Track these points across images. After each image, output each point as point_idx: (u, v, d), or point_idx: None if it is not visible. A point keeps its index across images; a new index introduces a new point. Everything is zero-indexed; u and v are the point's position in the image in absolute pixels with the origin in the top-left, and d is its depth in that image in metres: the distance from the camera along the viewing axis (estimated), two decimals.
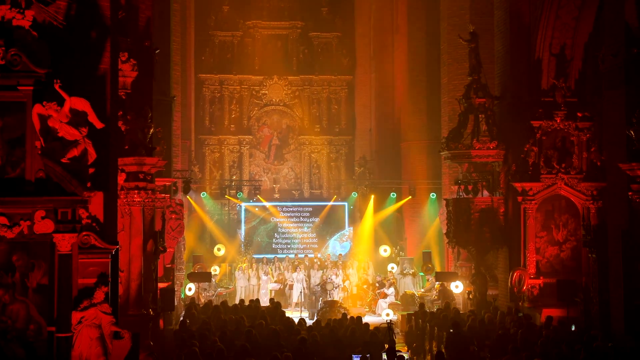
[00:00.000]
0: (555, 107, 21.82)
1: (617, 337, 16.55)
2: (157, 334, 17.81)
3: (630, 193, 16.54)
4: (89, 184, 9.99)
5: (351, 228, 33.20)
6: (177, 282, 25.49)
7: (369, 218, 32.82)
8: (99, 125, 10.26)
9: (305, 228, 33.19)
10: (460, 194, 23.46)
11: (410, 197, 31.19)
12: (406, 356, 15.65)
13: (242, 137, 36.49)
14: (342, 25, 37.06)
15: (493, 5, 24.25)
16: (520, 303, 21.31)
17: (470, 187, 23.24)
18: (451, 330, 16.77)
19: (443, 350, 16.01)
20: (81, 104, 10.11)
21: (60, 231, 10.12)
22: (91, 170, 10.14)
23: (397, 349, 14.88)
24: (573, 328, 18.42)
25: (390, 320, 16.81)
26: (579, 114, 21.79)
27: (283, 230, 33.09)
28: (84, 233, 10.25)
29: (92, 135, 10.20)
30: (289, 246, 32.40)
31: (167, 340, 18.50)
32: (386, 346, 14.28)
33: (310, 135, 36.83)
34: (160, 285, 19.62)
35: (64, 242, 10.14)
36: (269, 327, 17.15)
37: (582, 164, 21.88)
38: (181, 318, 19.85)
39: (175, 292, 23.96)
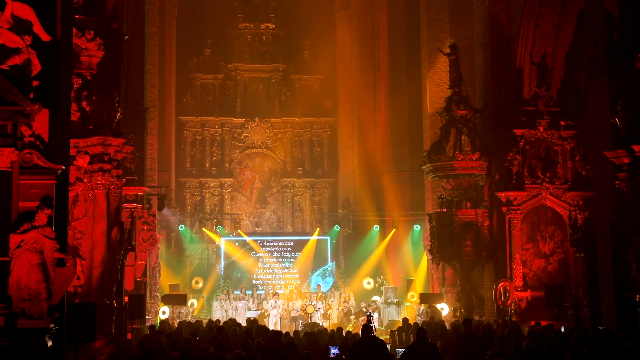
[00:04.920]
0: (538, 115, 21.51)
1: None
2: (124, 335, 16.78)
3: (617, 182, 16.03)
4: (31, 95, 9.21)
5: (334, 263, 32.10)
6: (152, 311, 24.36)
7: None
8: (45, 37, 9.55)
9: (287, 263, 32.03)
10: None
11: (394, 229, 30.31)
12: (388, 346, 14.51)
13: (223, 179, 35.91)
14: (324, 67, 36.94)
15: (473, 22, 24.06)
16: (507, 318, 20.36)
17: (453, 210, 22.60)
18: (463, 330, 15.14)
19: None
20: (25, 12, 9.42)
21: None
22: (35, 83, 9.39)
23: None
24: (563, 329, 17.51)
25: (370, 313, 15.86)
26: (562, 123, 21.43)
27: (264, 265, 31.90)
28: (25, 151, 9.37)
29: (38, 47, 9.49)
30: (269, 282, 31.09)
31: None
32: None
33: (292, 178, 36.35)
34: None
35: (3, 158, 9.27)
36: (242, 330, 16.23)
37: (567, 174, 21.45)
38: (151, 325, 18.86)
39: (149, 320, 22.83)
